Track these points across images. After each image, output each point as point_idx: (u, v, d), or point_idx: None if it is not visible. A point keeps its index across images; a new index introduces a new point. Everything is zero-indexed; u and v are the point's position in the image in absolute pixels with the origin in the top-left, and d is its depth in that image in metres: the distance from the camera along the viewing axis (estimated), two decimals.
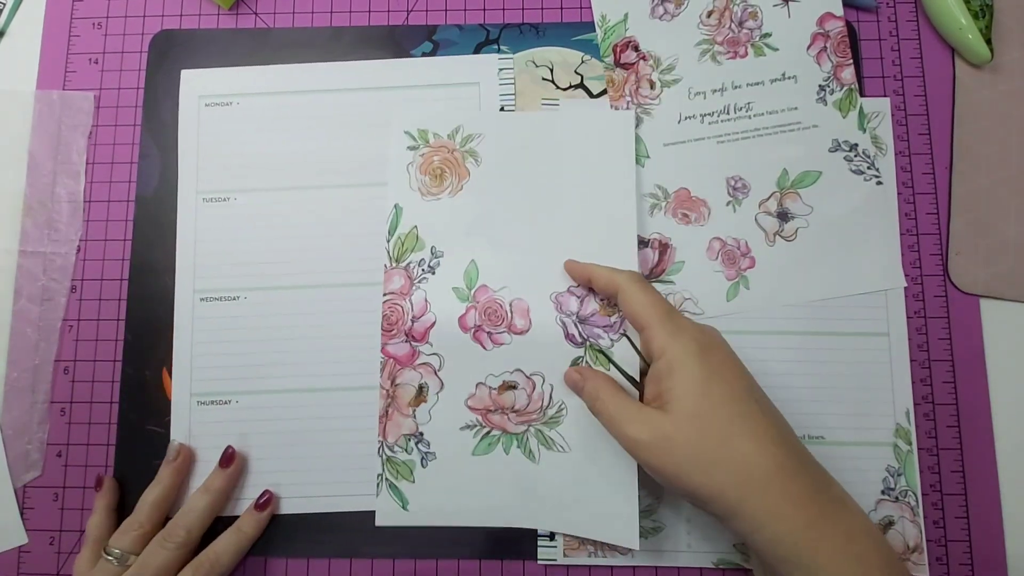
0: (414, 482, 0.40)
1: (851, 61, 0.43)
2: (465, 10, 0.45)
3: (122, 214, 0.44)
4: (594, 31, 0.45)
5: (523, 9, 0.45)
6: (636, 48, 0.44)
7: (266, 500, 0.39)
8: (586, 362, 0.40)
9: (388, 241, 0.42)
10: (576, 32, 0.45)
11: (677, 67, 0.44)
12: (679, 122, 0.43)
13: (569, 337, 0.40)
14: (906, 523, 0.39)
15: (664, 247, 0.42)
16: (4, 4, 0.46)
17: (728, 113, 0.43)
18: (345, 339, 0.42)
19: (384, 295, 0.41)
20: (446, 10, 0.45)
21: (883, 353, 0.41)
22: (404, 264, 0.42)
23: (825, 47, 0.44)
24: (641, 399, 0.37)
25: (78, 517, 0.41)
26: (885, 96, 0.44)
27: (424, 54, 0.45)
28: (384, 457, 0.40)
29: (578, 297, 0.40)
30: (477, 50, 0.45)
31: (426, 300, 0.41)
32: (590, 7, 0.45)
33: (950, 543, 0.39)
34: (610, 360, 0.38)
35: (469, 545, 0.40)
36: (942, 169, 0.43)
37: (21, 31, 0.46)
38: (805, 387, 0.40)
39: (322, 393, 0.41)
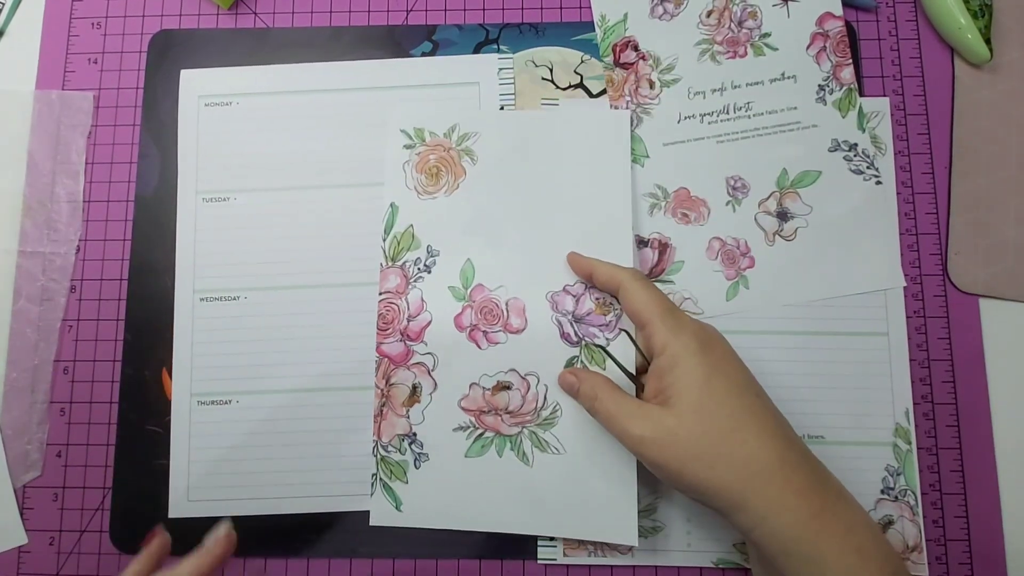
0: (407, 483, 0.40)
1: (850, 61, 0.43)
2: (465, 10, 0.45)
3: (121, 214, 0.44)
4: (594, 31, 0.45)
5: (523, 9, 0.45)
6: (636, 48, 0.44)
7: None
8: (581, 362, 0.40)
9: (384, 240, 0.42)
10: (576, 32, 0.45)
11: (677, 67, 0.44)
12: (679, 122, 0.43)
13: (565, 336, 0.40)
14: (905, 522, 0.39)
15: (664, 247, 0.42)
16: (3, 4, 0.46)
17: (728, 113, 0.43)
18: (346, 339, 0.41)
19: (380, 294, 0.41)
20: (446, 10, 0.45)
21: (883, 353, 0.41)
22: (400, 263, 0.42)
23: (825, 47, 0.44)
24: (638, 395, 0.37)
25: (78, 517, 0.41)
26: (884, 96, 0.44)
27: (424, 54, 0.45)
28: (379, 457, 0.40)
29: (574, 296, 0.40)
30: (477, 50, 0.45)
31: (422, 299, 0.41)
32: (590, 7, 0.45)
33: (949, 542, 0.39)
34: (608, 355, 0.38)
35: (469, 545, 0.40)
36: (941, 169, 0.43)
37: (20, 31, 0.46)
38: (805, 387, 0.40)
39: (323, 393, 0.41)
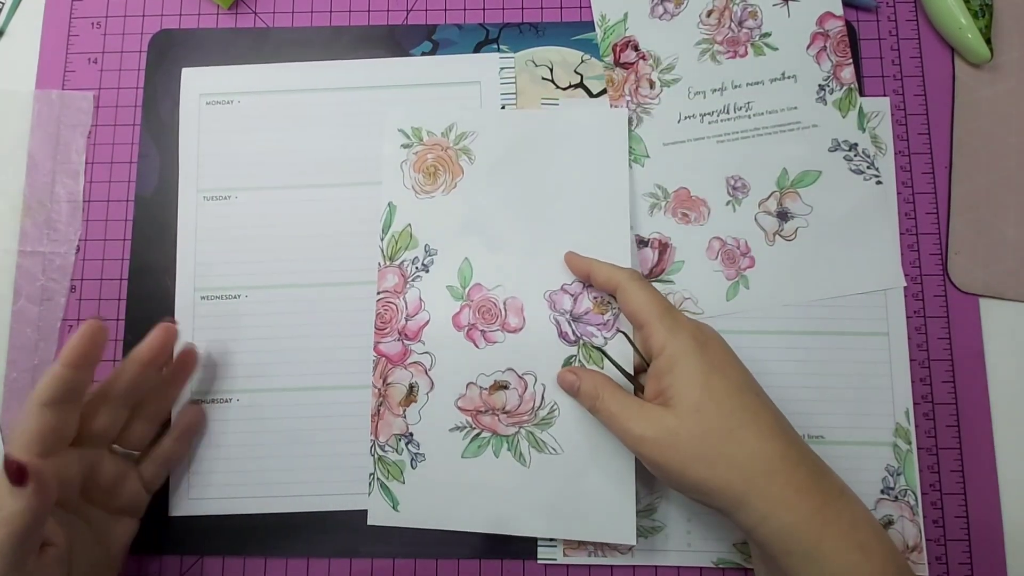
0: (404, 483, 0.39)
1: (851, 61, 0.43)
2: (465, 9, 0.45)
3: (121, 214, 0.44)
4: (594, 31, 0.45)
5: (523, 9, 0.45)
6: (636, 48, 0.44)
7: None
8: (579, 361, 0.40)
9: (382, 239, 0.42)
10: (576, 32, 0.45)
11: (677, 67, 0.44)
12: (679, 122, 0.43)
13: (562, 335, 0.40)
14: (905, 522, 0.39)
15: (664, 247, 0.42)
16: (3, 4, 0.46)
17: (728, 113, 0.43)
18: (347, 338, 0.41)
19: (378, 293, 0.41)
20: (446, 10, 0.45)
21: (883, 353, 0.41)
22: (398, 262, 0.42)
23: (825, 47, 0.44)
24: (636, 396, 0.37)
25: None
26: (885, 96, 0.44)
27: (424, 53, 0.45)
28: (376, 456, 0.40)
29: (572, 295, 0.40)
30: (477, 49, 0.45)
31: (420, 298, 0.41)
32: (590, 7, 0.45)
33: (949, 542, 0.39)
34: (606, 356, 0.38)
35: (469, 545, 0.40)
36: (941, 169, 0.43)
37: (20, 31, 0.46)
38: (805, 387, 0.40)
39: (324, 392, 0.41)
